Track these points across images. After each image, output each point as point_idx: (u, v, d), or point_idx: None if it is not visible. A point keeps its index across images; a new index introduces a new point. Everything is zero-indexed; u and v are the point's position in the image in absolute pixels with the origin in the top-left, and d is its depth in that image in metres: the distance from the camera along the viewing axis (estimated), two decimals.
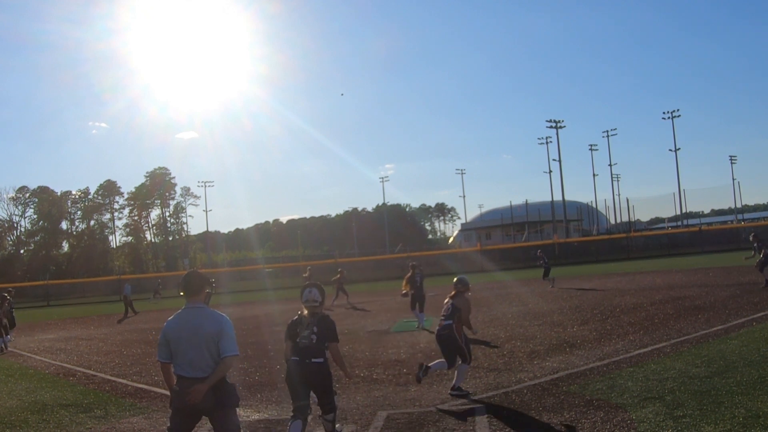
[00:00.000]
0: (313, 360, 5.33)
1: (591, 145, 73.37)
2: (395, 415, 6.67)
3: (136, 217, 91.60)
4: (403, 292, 15.39)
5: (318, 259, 60.71)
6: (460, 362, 7.55)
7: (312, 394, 5.52)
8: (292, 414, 5.47)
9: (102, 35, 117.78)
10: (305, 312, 5.51)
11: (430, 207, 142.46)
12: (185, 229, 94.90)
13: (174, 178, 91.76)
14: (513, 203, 79.52)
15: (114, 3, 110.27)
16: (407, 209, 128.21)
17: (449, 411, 6.66)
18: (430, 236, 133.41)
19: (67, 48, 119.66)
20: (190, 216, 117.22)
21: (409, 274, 14.94)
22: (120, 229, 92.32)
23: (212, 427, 4.44)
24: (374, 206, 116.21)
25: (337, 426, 5.79)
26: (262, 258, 78.51)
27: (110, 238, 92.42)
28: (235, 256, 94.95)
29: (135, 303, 27.03)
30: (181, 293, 4.47)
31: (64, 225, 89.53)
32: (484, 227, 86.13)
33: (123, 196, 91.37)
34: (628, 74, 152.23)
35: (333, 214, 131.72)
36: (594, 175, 74.21)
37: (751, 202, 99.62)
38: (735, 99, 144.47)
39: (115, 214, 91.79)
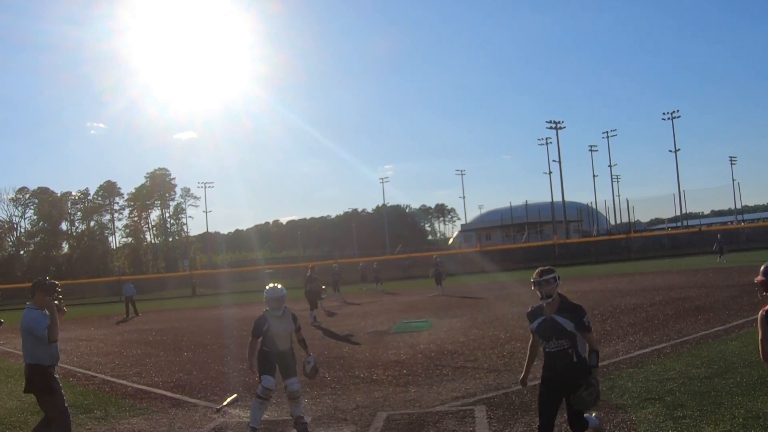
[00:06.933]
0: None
1: (591, 146, 73.24)
2: (395, 416, 6.66)
3: (136, 218, 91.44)
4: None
5: (318, 259, 60.68)
6: None
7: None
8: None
9: (102, 35, 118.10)
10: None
11: (430, 208, 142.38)
12: (185, 229, 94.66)
13: (174, 178, 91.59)
14: (513, 204, 79.34)
15: (114, 3, 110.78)
16: (407, 210, 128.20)
17: (449, 411, 6.65)
18: (430, 237, 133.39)
19: (67, 48, 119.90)
20: (190, 217, 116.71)
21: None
22: (120, 230, 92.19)
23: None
24: (374, 207, 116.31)
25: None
26: (262, 259, 78.38)
27: (110, 239, 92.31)
28: (235, 256, 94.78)
29: (135, 304, 26.85)
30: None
31: (64, 226, 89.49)
32: (484, 228, 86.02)
33: (123, 197, 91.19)
34: (628, 74, 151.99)
35: (333, 215, 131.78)
36: (594, 175, 74.16)
37: (751, 203, 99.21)
38: (735, 99, 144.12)
39: (115, 215, 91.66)
